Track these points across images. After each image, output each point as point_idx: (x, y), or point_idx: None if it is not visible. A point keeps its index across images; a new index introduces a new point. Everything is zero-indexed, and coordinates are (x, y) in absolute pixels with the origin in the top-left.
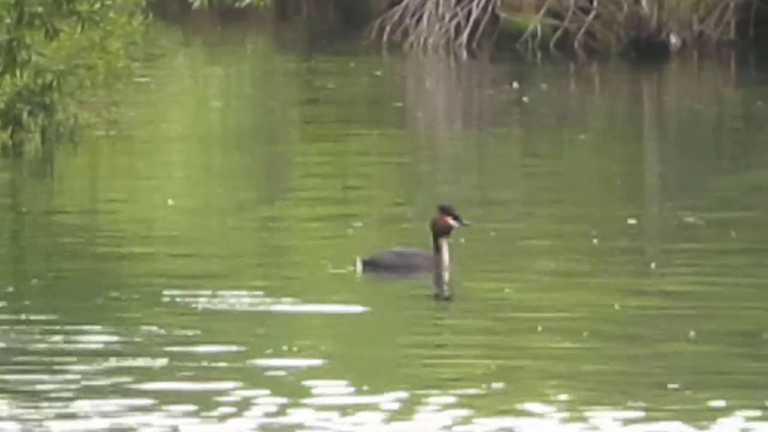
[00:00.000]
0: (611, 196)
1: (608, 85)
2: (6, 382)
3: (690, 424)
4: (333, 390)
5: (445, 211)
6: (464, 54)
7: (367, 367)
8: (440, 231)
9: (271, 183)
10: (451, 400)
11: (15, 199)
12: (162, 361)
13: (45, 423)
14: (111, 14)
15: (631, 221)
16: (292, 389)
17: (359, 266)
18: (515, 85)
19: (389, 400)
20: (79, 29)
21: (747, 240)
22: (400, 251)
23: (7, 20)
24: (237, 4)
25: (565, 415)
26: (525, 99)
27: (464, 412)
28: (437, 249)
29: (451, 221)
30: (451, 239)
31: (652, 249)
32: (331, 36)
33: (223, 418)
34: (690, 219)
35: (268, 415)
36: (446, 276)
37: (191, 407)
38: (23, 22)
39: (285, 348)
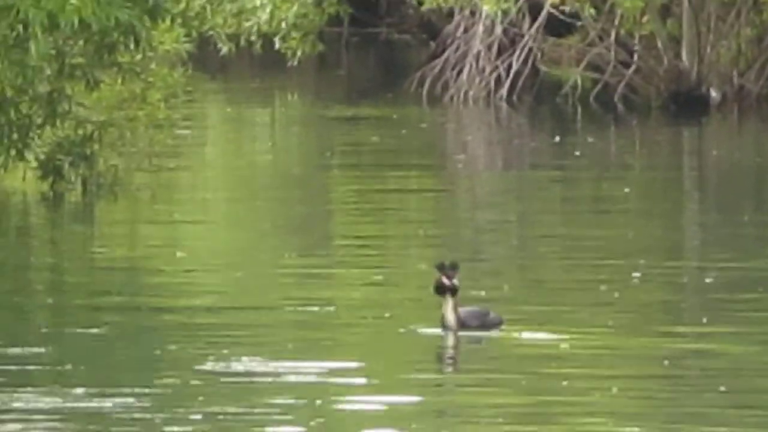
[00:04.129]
0: (654, 249)
1: (649, 139)
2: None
3: None
4: None
5: (438, 269)
6: (504, 107)
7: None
8: (435, 290)
9: (315, 233)
10: None
11: (56, 250)
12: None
13: None
14: (152, 66)
15: (669, 273)
16: None
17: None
18: (557, 138)
19: None
20: (119, 80)
21: None
22: (473, 311)
23: (48, 71)
24: (288, 56)
25: None
26: (577, 153)
27: None
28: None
29: (443, 280)
30: (453, 297)
31: (689, 303)
32: (372, 89)
33: None
34: (714, 274)
35: None
36: (450, 336)
37: None
38: (64, 74)
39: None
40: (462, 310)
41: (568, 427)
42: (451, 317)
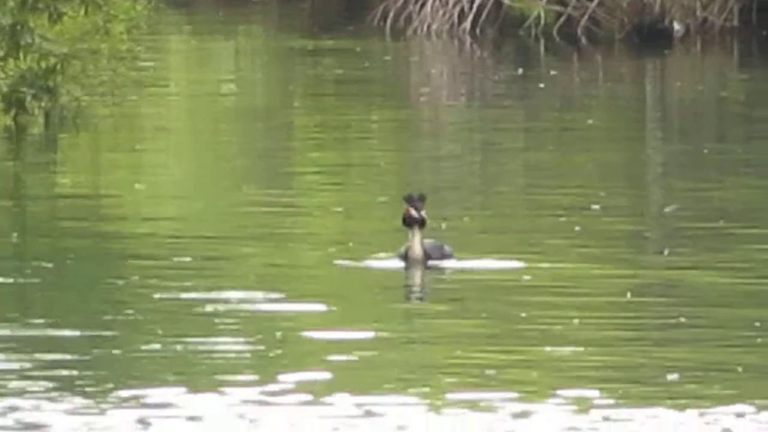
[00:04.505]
0: (616, 179)
1: (612, 71)
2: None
3: (685, 415)
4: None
5: (408, 200)
6: (468, 40)
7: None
8: (403, 221)
9: (277, 164)
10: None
11: (19, 182)
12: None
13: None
14: None
15: (631, 203)
16: (278, 381)
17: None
18: (520, 71)
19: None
20: (82, 13)
21: (746, 225)
22: (434, 244)
23: (11, 4)
24: None
25: (559, 405)
26: (541, 85)
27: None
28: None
29: (412, 212)
30: (421, 229)
31: (651, 233)
32: (335, 21)
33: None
34: (670, 208)
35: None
36: (417, 269)
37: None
38: (27, 6)
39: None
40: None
41: (533, 354)
42: (419, 249)
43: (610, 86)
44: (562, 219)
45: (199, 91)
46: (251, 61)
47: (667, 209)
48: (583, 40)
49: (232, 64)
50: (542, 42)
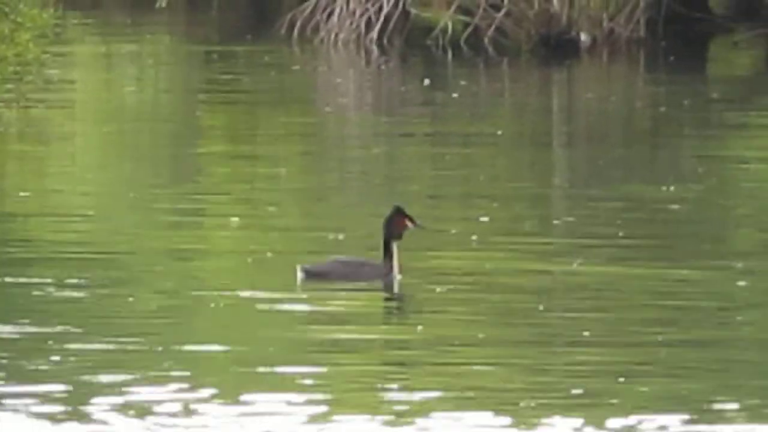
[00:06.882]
0: (523, 192)
1: (519, 82)
2: None
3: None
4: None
5: (402, 212)
6: (375, 50)
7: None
8: (395, 233)
9: (182, 171)
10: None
11: None
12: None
13: None
14: (21, 6)
15: (537, 213)
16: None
17: (300, 275)
18: (426, 81)
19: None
20: None
21: (641, 231)
22: (345, 260)
23: None
24: None
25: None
26: (454, 95)
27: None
28: (388, 253)
29: (408, 223)
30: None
31: (561, 245)
32: (243, 30)
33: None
34: (578, 210)
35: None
36: (397, 282)
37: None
38: None
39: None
40: (348, 258)
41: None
42: (397, 263)
43: (518, 96)
44: (466, 229)
45: (106, 97)
46: (157, 69)
47: (573, 217)
48: (491, 50)
49: (137, 71)
50: (449, 52)
